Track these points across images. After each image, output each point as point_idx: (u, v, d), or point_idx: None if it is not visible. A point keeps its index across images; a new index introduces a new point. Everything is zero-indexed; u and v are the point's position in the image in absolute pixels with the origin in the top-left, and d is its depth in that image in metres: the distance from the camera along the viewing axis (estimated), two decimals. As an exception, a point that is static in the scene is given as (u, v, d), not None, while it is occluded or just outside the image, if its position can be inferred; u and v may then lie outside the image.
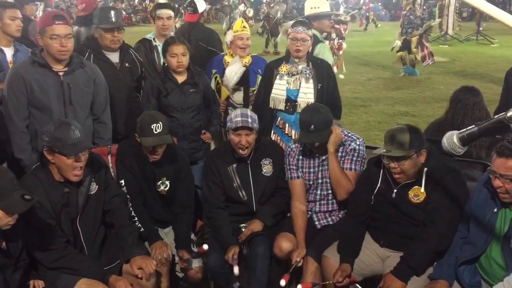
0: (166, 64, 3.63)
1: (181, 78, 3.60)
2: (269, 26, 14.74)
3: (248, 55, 4.11)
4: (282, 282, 2.60)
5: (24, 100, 3.10)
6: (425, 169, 2.65)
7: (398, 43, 10.89)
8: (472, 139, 1.82)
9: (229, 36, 4.10)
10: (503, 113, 1.67)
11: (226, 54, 4.16)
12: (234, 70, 4.01)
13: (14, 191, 2.23)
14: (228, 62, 4.05)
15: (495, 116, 1.72)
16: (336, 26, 8.77)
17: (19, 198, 2.22)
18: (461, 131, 1.84)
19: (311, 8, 4.50)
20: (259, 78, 4.05)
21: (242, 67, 4.04)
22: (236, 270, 2.84)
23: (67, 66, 3.15)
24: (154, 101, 3.56)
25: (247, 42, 4.06)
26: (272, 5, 16.51)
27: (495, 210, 2.38)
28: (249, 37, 4.08)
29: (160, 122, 2.91)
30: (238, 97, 4.14)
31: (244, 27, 4.08)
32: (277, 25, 14.16)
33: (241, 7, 15.50)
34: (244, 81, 4.08)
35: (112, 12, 3.58)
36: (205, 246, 3.00)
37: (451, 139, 1.85)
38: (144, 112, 3.15)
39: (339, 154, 3.06)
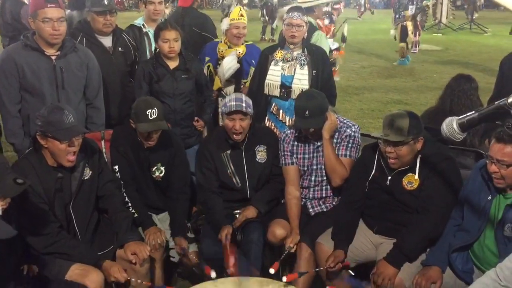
0: (157, 49, 3.59)
1: (173, 64, 3.56)
2: (268, 13, 14.66)
3: (242, 44, 4.07)
4: (272, 270, 2.60)
5: (16, 84, 3.06)
6: (419, 156, 2.65)
7: (392, 32, 10.85)
8: (472, 125, 1.83)
9: (224, 24, 4.05)
10: (504, 99, 1.68)
11: (221, 42, 4.10)
12: (228, 65, 3.94)
13: (7, 175, 2.20)
14: (222, 51, 3.99)
15: (496, 102, 1.72)
16: (335, 6, 8.59)
17: (11, 182, 2.19)
18: (460, 117, 1.85)
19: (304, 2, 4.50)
20: (252, 69, 4.01)
21: (237, 64, 3.98)
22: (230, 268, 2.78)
23: (60, 50, 3.11)
24: (146, 86, 3.53)
25: (243, 31, 4.02)
26: None
27: (489, 197, 2.39)
28: (245, 26, 4.04)
29: (155, 108, 2.89)
30: (230, 89, 4.09)
31: (241, 15, 4.02)
32: (274, 12, 14.07)
33: None
34: (237, 75, 4.04)
35: None
36: (213, 274, 2.61)
37: (450, 125, 1.85)
38: (139, 98, 3.13)
39: (334, 140, 3.06)
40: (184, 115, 3.61)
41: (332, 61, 8.18)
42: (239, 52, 4.00)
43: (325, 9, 9.07)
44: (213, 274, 2.55)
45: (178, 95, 3.56)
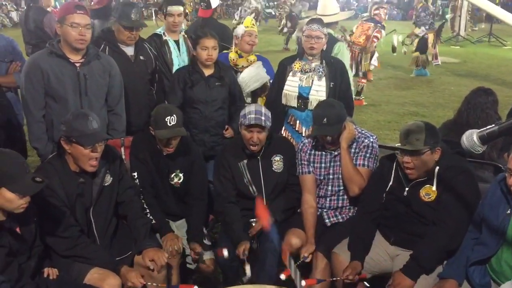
0: (195, 56, 3.67)
1: (208, 71, 3.64)
2: (292, 24, 14.77)
3: (252, 53, 4.09)
4: (282, 276, 2.62)
5: (41, 90, 3.13)
6: (437, 167, 2.65)
7: (399, 38, 10.70)
8: (492, 138, 1.83)
9: (240, 29, 4.09)
10: None
11: (231, 51, 4.10)
12: (256, 76, 3.96)
13: (25, 173, 2.26)
14: (234, 60, 4.01)
15: None
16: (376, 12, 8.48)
17: (30, 181, 2.25)
18: (481, 130, 1.85)
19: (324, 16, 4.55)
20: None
21: (267, 76, 4.00)
22: (248, 270, 2.85)
23: (84, 57, 3.19)
24: (180, 92, 3.61)
25: (255, 40, 4.05)
26: (294, 2, 16.59)
27: (509, 211, 2.37)
28: (257, 35, 4.09)
29: (174, 115, 2.93)
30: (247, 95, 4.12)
31: (253, 24, 4.09)
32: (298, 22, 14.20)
33: (253, 2, 15.53)
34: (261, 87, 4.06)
35: (134, 10, 3.58)
36: (225, 252, 2.91)
37: (471, 137, 1.86)
38: (158, 105, 3.19)
39: (352, 150, 3.07)
40: (215, 123, 3.67)
41: (358, 89, 8.19)
42: (251, 61, 4.03)
43: (365, 14, 9.01)
44: (225, 253, 2.57)
45: (210, 102, 3.62)
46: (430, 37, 10.62)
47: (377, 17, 8.05)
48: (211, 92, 3.62)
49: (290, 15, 15.42)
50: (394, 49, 9.07)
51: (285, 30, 15.35)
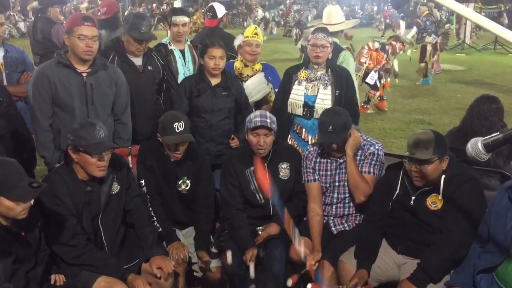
0: (202, 65, 3.69)
1: (215, 81, 3.66)
2: (301, 31, 14.89)
3: (257, 62, 4.06)
4: (289, 282, 2.61)
5: (48, 100, 3.17)
6: (443, 176, 2.65)
7: (409, 52, 10.76)
8: (497, 146, 1.83)
9: (238, 40, 4.09)
10: None
11: (237, 60, 4.09)
12: (257, 88, 3.96)
13: (22, 180, 2.28)
14: (239, 69, 4.00)
15: None
16: (393, 42, 8.52)
17: (27, 187, 2.26)
18: (486, 137, 1.85)
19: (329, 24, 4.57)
20: (269, 85, 4.06)
21: (268, 88, 4.01)
22: (252, 271, 2.86)
23: (90, 67, 3.23)
24: (186, 101, 3.63)
25: (256, 49, 3.99)
26: (302, 12, 16.73)
27: (516, 218, 2.37)
28: (258, 44, 4.00)
29: (182, 121, 2.97)
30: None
31: (256, 33, 4.03)
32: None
33: (260, 11, 15.67)
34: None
35: (144, 23, 3.61)
36: (229, 255, 2.93)
37: (475, 145, 1.86)
38: (166, 112, 3.21)
39: (358, 157, 3.08)
40: (220, 132, 3.68)
41: (366, 99, 8.20)
42: (256, 70, 4.02)
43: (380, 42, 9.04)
44: (229, 256, 2.59)
45: (216, 111, 3.64)
46: (429, 46, 10.64)
47: (391, 47, 8.10)
48: (217, 101, 3.64)
49: (298, 22, 15.53)
50: (396, 75, 9.12)
51: (294, 38, 15.46)
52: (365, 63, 7.86)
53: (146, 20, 3.71)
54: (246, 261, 2.89)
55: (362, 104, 8.31)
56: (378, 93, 8.27)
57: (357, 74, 7.82)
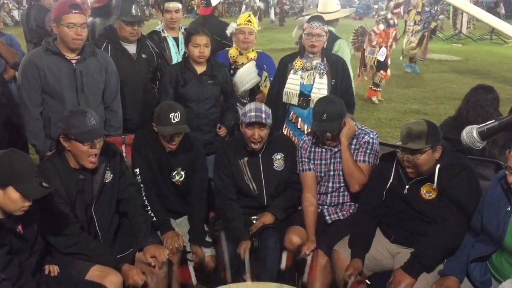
0: (186, 54, 3.64)
1: (200, 69, 3.61)
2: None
3: (252, 50, 4.03)
4: (283, 265, 2.61)
5: (37, 87, 3.15)
6: (438, 165, 2.65)
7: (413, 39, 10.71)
8: (492, 134, 1.82)
9: (230, 28, 4.05)
10: None
11: (232, 48, 4.05)
12: (248, 77, 3.93)
13: (33, 177, 2.27)
14: (234, 56, 3.97)
15: None
16: (395, 10, 8.15)
17: (37, 185, 2.26)
18: (480, 125, 1.85)
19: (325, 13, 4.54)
20: (264, 73, 4.04)
21: (258, 77, 3.97)
22: (246, 262, 2.85)
23: (80, 54, 3.19)
24: (172, 91, 3.58)
25: (249, 36, 3.93)
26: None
27: (509, 208, 2.37)
28: (251, 31, 3.93)
29: (178, 112, 2.94)
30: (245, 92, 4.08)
31: (249, 21, 3.97)
32: None
33: (257, 1, 15.55)
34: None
35: (134, 6, 3.59)
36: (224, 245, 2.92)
37: (470, 133, 1.85)
38: (162, 102, 3.19)
39: (352, 146, 3.07)
40: (207, 121, 3.64)
41: (376, 82, 8.14)
42: (251, 58, 3.98)
43: (382, 12, 8.94)
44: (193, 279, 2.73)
45: (202, 100, 3.60)
46: (427, 33, 10.64)
47: (395, 16, 8.02)
48: (203, 90, 3.59)
49: (301, 11, 15.47)
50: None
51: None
52: (376, 43, 7.83)
53: (136, 3, 3.68)
54: (240, 253, 2.88)
55: (372, 87, 8.30)
56: (389, 73, 8.18)
57: (373, 57, 7.88)
